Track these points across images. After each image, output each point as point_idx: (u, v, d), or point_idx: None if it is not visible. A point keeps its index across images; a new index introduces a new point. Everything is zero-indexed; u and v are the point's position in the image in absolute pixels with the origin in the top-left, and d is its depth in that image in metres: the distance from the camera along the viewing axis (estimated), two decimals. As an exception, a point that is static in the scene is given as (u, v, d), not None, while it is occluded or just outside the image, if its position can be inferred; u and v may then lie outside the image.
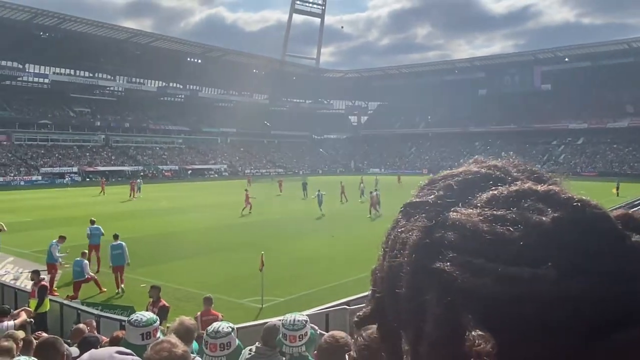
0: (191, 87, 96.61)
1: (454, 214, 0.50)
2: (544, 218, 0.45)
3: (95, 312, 10.30)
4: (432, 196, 0.54)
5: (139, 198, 40.99)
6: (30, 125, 72.64)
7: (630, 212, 0.47)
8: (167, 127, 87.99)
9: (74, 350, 5.08)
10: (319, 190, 31.79)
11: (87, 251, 14.57)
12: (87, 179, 64.53)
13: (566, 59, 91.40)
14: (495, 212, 0.47)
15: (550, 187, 0.49)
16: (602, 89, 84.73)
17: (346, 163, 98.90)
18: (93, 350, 1.80)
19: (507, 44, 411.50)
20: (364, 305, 0.61)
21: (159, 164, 78.61)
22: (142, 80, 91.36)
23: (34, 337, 6.10)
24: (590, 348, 0.40)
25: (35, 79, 79.90)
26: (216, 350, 3.65)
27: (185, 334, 3.59)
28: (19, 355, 4.53)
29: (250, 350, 3.99)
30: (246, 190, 31.20)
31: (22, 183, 60.11)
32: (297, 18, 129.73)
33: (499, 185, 0.51)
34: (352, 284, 13.67)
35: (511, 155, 0.58)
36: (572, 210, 0.45)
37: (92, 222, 17.59)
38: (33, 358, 3.68)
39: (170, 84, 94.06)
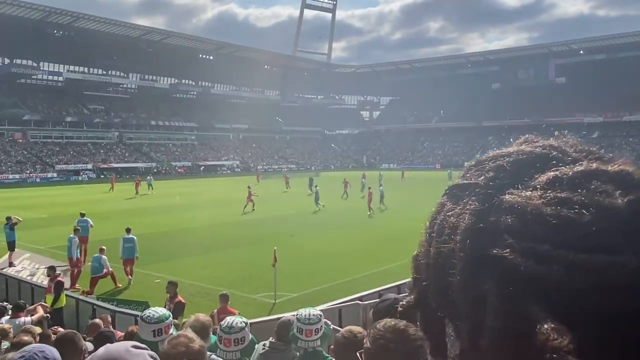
0: (203, 83, 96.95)
1: (510, 196, 0.46)
2: (617, 201, 0.42)
3: (111, 307, 10.44)
4: (482, 177, 0.51)
5: (151, 194, 41.29)
6: (45, 123, 73.50)
7: None
8: (179, 124, 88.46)
9: (89, 345, 5.13)
10: (316, 186, 32.23)
11: (104, 247, 14.57)
12: (102, 176, 65.13)
13: (581, 52, 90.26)
14: (559, 194, 0.44)
15: (622, 167, 0.45)
16: (618, 81, 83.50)
17: (358, 158, 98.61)
18: (109, 345, 1.79)
19: (521, 37, 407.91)
20: (406, 294, 0.58)
21: (172, 160, 79.06)
22: (154, 77, 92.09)
23: (51, 332, 6.18)
24: None
25: (50, 77, 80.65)
26: (230, 345, 3.66)
27: (200, 329, 3.59)
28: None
29: (264, 345, 4.00)
30: (249, 187, 31.14)
31: (37, 180, 60.79)
32: (308, 13, 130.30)
33: (561, 166, 0.47)
34: (364, 279, 13.70)
35: (565, 135, 0.54)
36: None
37: (82, 215, 17.88)
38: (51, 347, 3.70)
39: (183, 81, 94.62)
